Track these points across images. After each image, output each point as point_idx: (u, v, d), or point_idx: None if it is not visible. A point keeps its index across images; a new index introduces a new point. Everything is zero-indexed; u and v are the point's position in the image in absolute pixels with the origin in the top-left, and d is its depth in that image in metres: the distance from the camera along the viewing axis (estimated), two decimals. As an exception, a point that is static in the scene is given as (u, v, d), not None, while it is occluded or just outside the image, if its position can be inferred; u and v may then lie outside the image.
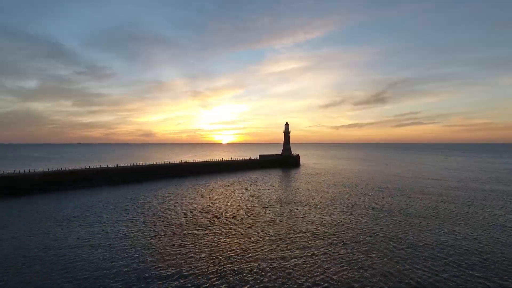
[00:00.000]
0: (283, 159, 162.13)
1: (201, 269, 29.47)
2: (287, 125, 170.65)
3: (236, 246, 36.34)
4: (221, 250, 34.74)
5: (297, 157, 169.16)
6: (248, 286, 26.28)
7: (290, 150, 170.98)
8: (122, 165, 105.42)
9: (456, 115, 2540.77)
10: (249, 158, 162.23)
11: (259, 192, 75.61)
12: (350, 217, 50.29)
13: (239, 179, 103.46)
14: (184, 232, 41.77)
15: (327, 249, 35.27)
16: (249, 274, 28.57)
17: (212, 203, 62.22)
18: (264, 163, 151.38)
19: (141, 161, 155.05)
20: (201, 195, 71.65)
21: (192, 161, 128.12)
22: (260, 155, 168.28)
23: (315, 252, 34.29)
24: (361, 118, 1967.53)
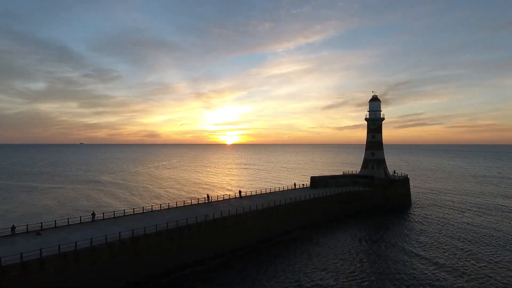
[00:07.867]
0: (370, 184, 63.54)
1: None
2: (375, 102, 69.03)
3: None
4: None
5: (406, 182, 67.43)
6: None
7: (385, 162, 68.50)
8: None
9: (459, 116, 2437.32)
10: (291, 186, 63.64)
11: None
12: None
13: None
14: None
15: None
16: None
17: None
18: (329, 202, 52.82)
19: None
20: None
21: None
22: (313, 178, 65.58)
23: None
24: (364, 119, 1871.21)
